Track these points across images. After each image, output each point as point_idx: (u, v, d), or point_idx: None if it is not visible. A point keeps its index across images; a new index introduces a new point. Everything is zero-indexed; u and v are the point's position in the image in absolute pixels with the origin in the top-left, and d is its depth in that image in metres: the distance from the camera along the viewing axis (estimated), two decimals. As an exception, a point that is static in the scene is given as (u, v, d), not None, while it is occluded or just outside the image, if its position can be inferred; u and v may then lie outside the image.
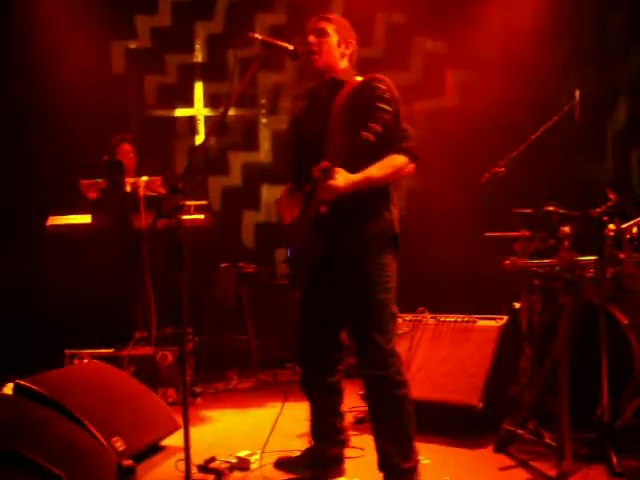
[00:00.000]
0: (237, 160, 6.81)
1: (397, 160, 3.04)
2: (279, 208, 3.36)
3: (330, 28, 3.18)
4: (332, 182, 2.92)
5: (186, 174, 2.71)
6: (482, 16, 5.93)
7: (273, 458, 3.59)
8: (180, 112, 6.81)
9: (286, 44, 3.02)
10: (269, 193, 6.72)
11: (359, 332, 3.14)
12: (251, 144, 6.84)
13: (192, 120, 6.81)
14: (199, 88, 6.80)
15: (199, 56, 6.81)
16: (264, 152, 6.84)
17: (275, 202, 3.38)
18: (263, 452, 3.62)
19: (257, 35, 2.94)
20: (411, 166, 3.10)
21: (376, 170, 3.01)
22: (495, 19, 5.88)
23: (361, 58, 3.32)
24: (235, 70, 3.00)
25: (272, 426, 3.47)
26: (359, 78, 3.16)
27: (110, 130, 5.86)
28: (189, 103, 6.80)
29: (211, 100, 6.80)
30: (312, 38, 3.16)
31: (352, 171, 2.97)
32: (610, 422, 3.46)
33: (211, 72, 6.77)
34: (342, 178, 2.93)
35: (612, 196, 4.00)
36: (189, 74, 6.80)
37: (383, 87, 2.88)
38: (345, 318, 3.22)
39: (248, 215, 6.78)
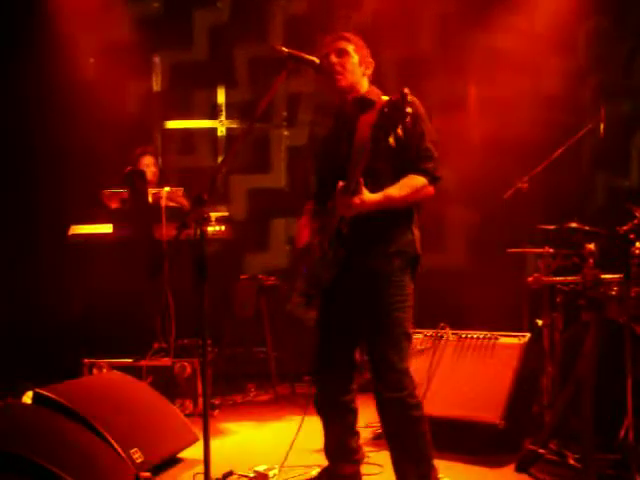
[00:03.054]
0: (242, 186, 5.98)
1: (416, 181, 3.02)
2: (298, 229, 3.34)
3: (350, 48, 3.17)
4: (353, 199, 2.91)
5: (211, 187, 2.71)
6: (510, 32, 5.90)
7: (292, 473, 3.57)
8: (199, 124, 6.67)
9: (312, 58, 3.02)
10: (281, 229, 5.82)
11: (374, 351, 3.11)
12: (261, 165, 6.04)
13: (212, 132, 6.72)
14: (221, 96, 6.51)
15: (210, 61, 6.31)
16: (277, 175, 6.02)
17: (298, 222, 3.37)
18: (282, 467, 3.58)
19: (284, 48, 2.94)
20: (430, 189, 3.06)
21: (395, 190, 2.99)
22: (524, 36, 5.85)
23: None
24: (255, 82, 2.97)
25: (291, 442, 3.43)
26: (385, 97, 3.15)
27: (132, 141, 5.88)
28: (208, 115, 6.67)
29: (229, 111, 6.53)
30: (334, 58, 3.15)
31: (372, 190, 2.95)
32: (635, 443, 3.40)
33: (229, 82, 6.51)
34: (363, 196, 2.93)
35: (638, 213, 3.94)
36: (208, 84, 6.58)
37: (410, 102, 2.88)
38: (360, 336, 3.20)
39: (254, 259, 5.99)
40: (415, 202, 3.11)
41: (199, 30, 5.93)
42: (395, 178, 3.02)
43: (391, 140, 2.89)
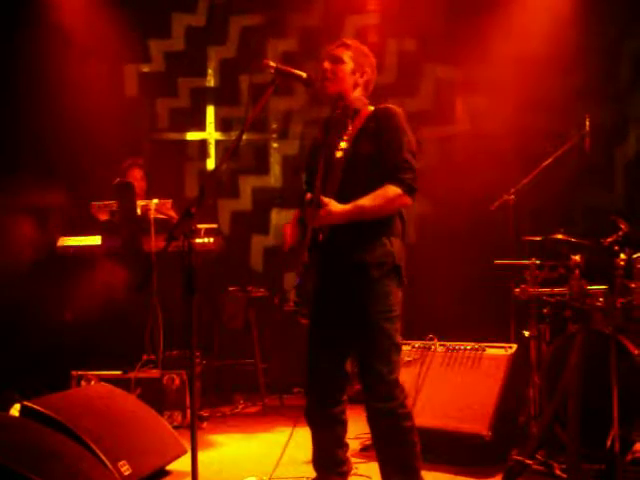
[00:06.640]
0: (247, 184, 6.81)
1: (390, 191, 3.00)
2: (284, 232, 3.35)
3: (346, 55, 3.16)
4: (320, 211, 2.95)
5: (199, 198, 2.72)
6: (493, 44, 5.95)
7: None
8: (191, 136, 6.85)
9: (300, 72, 3.04)
10: (279, 218, 6.69)
11: (363, 362, 3.10)
12: (262, 168, 6.83)
13: (203, 144, 6.84)
14: (211, 112, 6.85)
15: (211, 80, 6.87)
16: (274, 176, 6.84)
17: (283, 226, 3.38)
18: (271, 478, 3.58)
19: (272, 62, 2.96)
20: (406, 199, 3.03)
21: (367, 200, 2.99)
22: (507, 48, 5.90)
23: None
24: (249, 96, 3.01)
25: (281, 453, 3.43)
26: (371, 108, 3.18)
27: (122, 153, 5.90)
28: (201, 127, 6.84)
29: (222, 124, 6.84)
30: (327, 64, 3.16)
31: (347, 199, 2.98)
32: (620, 454, 3.42)
33: (223, 96, 6.83)
34: (330, 207, 2.95)
35: (623, 225, 3.99)
36: (201, 98, 6.85)
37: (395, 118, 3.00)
38: (350, 347, 3.18)
39: (257, 240, 6.74)
40: (391, 212, 3.09)
41: (212, 60, 6.91)
42: (371, 188, 3.01)
43: (343, 145, 3.03)
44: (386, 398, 3.02)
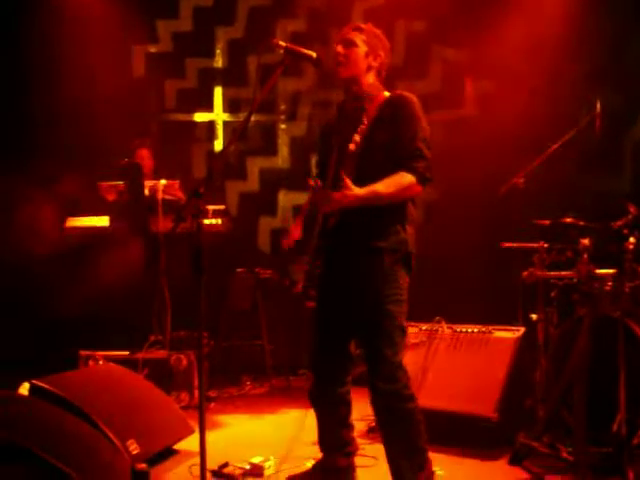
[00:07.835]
0: (255, 165, 6.82)
1: (404, 179, 3.00)
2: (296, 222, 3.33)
3: (359, 39, 3.14)
4: (333, 194, 2.95)
5: (207, 179, 2.71)
6: (503, 26, 5.90)
7: (291, 464, 3.61)
8: (199, 116, 6.85)
9: (309, 52, 3.02)
10: (286, 199, 6.72)
11: (367, 344, 3.12)
12: (269, 150, 6.85)
13: (211, 125, 6.84)
14: (218, 93, 6.84)
15: (219, 61, 6.87)
16: (282, 158, 6.84)
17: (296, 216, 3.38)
18: (286, 459, 3.60)
19: (281, 42, 2.94)
20: (418, 188, 3.04)
21: (382, 186, 2.98)
22: (516, 31, 5.85)
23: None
24: (257, 77, 2.99)
25: (294, 435, 3.45)
26: (387, 94, 3.16)
27: (130, 133, 5.90)
28: (208, 108, 6.83)
29: (230, 105, 6.84)
30: (340, 48, 3.14)
31: (362, 186, 2.97)
32: (627, 437, 3.43)
33: (231, 77, 6.82)
34: (346, 190, 2.94)
35: (632, 209, 3.97)
36: (209, 79, 6.84)
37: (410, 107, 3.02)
38: (355, 329, 3.20)
39: (265, 221, 6.78)
40: (401, 199, 3.08)
41: (220, 41, 6.93)
42: (385, 175, 3.00)
43: (356, 138, 2.99)
44: (390, 379, 3.03)
